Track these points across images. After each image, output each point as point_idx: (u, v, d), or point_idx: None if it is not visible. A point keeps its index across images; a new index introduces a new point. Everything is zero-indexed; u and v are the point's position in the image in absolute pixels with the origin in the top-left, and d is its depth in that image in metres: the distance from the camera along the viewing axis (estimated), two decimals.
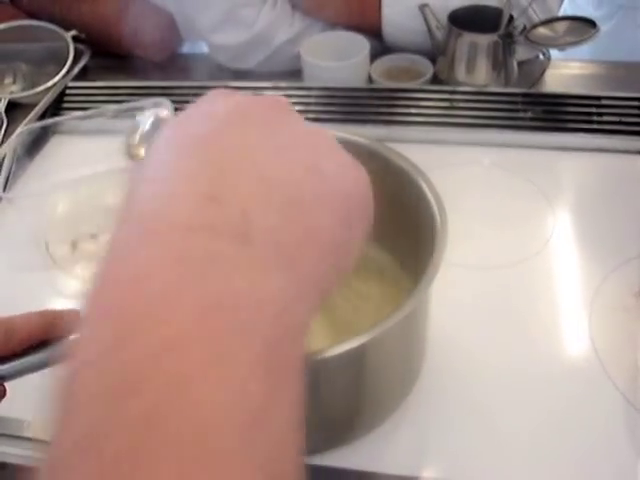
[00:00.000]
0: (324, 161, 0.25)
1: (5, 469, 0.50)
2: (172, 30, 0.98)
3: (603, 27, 0.77)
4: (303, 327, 0.22)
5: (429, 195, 0.45)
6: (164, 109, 0.72)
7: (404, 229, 0.50)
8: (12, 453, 0.50)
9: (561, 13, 0.95)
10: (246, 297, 0.19)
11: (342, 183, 0.25)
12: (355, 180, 0.27)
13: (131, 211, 0.22)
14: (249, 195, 0.22)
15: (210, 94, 0.28)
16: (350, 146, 0.51)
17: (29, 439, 0.51)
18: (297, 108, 0.81)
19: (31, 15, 0.98)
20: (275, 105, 0.27)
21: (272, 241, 0.21)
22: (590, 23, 0.78)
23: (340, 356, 0.38)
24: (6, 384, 0.38)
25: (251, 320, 0.19)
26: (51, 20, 0.94)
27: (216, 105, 0.26)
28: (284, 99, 0.28)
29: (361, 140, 0.51)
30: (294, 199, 0.23)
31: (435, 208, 0.44)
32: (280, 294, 0.20)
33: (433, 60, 0.85)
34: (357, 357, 0.42)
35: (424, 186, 0.46)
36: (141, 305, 0.18)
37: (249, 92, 0.28)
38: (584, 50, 0.89)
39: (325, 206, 0.24)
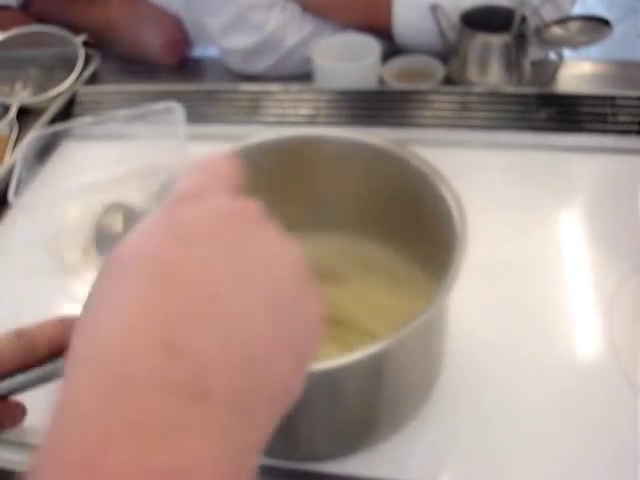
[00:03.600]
0: (287, 297, 0.25)
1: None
2: (182, 34, 0.98)
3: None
4: (254, 472, 0.22)
5: (448, 198, 0.45)
6: (177, 114, 0.72)
7: (422, 230, 0.49)
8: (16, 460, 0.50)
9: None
10: (204, 464, 0.20)
11: (301, 322, 0.25)
12: (312, 315, 0.26)
13: (88, 351, 0.22)
14: (209, 347, 0.21)
15: (176, 198, 0.26)
16: (368, 148, 0.51)
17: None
18: (308, 112, 0.80)
19: (41, 21, 0.98)
20: (247, 217, 0.26)
21: (230, 401, 0.21)
22: (604, 22, 0.78)
23: (359, 362, 0.37)
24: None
25: (212, 473, 0.20)
26: (61, 25, 0.94)
27: (183, 219, 0.25)
28: (256, 206, 0.26)
29: (378, 142, 0.51)
30: (253, 352, 0.22)
31: (455, 212, 0.44)
32: (235, 456, 0.21)
33: (445, 61, 0.85)
34: (376, 363, 0.41)
35: (443, 190, 0.46)
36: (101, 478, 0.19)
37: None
38: (592, 51, 0.89)
39: (283, 351, 0.24)
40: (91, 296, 0.24)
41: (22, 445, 0.50)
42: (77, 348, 0.23)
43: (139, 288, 0.22)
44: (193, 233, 0.24)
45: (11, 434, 0.48)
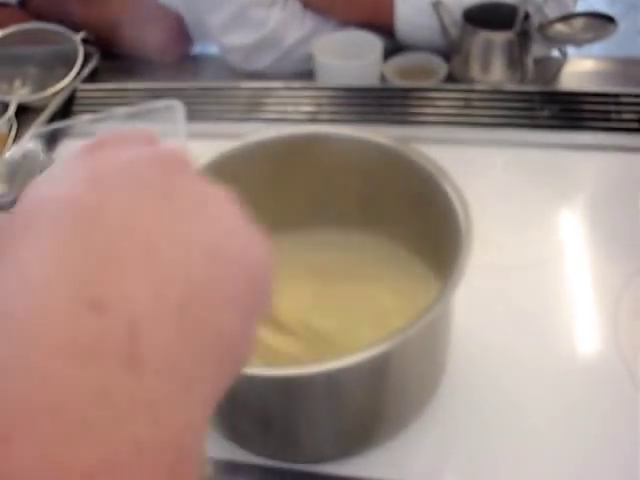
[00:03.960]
0: (226, 238, 0.22)
1: None
2: (182, 31, 0.98)
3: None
4: (202, 437, 0.19)
5: (453, 196, 0.45)
6: (177, 112, 0.71)
7: (426, 228, 0.49)
8: None
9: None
10: (139, 454, 0.17)
11: (244, 266, 0.22)
12: (258, 260, 0.23)
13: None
14: (139, 296, 0.18)
15: (94, 143, 0.23)
16: (370, 146, 0.51)
17: None
18: (309, 109, 0.80)
19: (39, 18, 0.97)
20: (173, 163, 0.23)
21: (166, 361, 0.18)
22: (608, 19, 0.77)
23: (363, 363, 0.37)
24: None
25: (153, 465, 0.17)
26: (59, 23, 0.94)
27: (102, 161, 0.22)
28: (181, 153, 0.24)
29: (381, 140, 0.50)
30: (190, 297, 0.19)
31: (459, 209, 0.44)
32: (177, 437, 0.18)
33: (447, 58, 0.84)
34: (380, 364, 0.41)
35: (447, 187, 0.45)
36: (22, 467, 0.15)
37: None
38: (593, 48, 0.88)
39: (225, 300, 0.21)
40: None
41: None
42: None
43: (53, 237, 0.19)
44: (116, 176, 0.21)
45: None
